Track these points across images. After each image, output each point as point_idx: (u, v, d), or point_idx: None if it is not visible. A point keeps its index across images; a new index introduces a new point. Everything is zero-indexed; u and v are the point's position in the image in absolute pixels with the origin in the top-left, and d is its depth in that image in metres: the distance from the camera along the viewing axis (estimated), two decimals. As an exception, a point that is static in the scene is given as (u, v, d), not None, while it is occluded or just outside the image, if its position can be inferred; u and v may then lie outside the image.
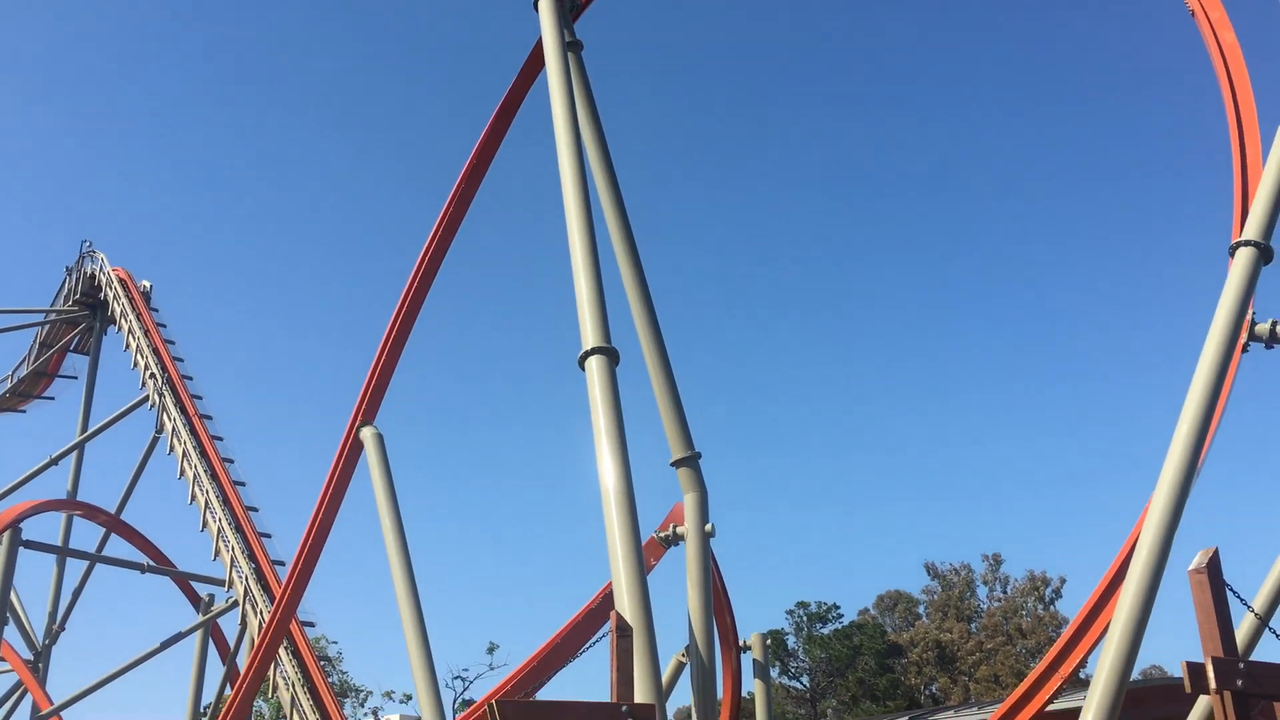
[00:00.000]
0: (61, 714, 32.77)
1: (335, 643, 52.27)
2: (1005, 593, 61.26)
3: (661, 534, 18.74)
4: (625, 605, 13.17)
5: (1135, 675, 13.36)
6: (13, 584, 29.14)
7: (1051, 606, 59.50)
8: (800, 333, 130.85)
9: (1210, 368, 12.71)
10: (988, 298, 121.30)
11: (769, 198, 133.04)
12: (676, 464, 18.64)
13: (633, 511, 14.25)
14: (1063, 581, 60.38)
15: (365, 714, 48.07)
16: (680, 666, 19.45)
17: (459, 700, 49.60)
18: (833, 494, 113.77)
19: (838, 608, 55.71)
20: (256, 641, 24.10)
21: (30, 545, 29.89)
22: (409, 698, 48.92)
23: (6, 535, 27.97)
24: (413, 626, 20.27)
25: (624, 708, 7.67)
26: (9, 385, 48.07)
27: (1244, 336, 13.48)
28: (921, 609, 60.39)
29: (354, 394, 23.86)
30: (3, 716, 34.77)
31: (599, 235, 18.06)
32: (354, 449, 23.32)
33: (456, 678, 48.56)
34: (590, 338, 15.84)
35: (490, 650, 49.05)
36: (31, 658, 36.97)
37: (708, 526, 18.72)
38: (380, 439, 23.28)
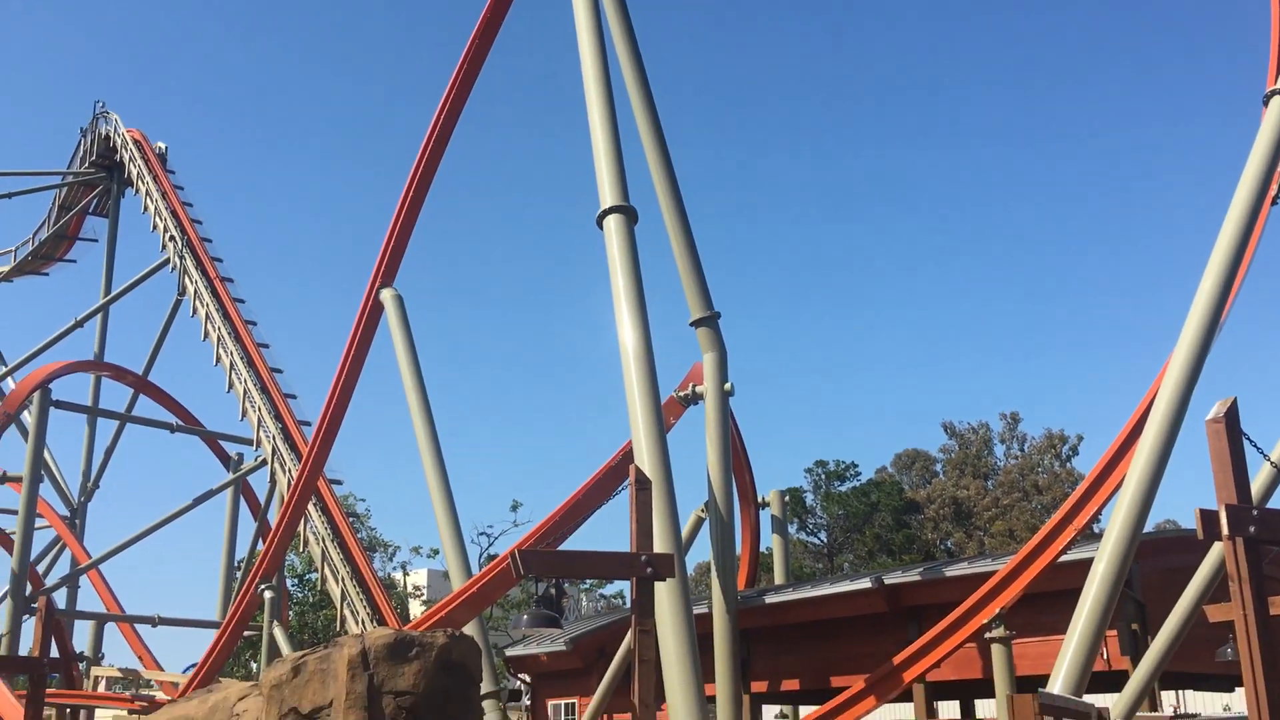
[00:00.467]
0: (99, 568, 33.86)
1: (363, 500, 53.54)
2: (1023, 450, 61.88)
3: (681, 393, 18.88)
4: (645, 461, 13.36)
5: (1148, 529, 13.53)
6: (46, 444, 29.71)
7: (1068, 464, 60.12)
8: (818, 190, 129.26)
9: (1239, 219, 12.50)
10: (1009, 150, 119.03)
11: (782, 35, 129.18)
12: (696, 324, 18.67)
13: (652, 370, 14.34)
14: (1080, 439, 60.91)
15: (394, 568, 49.47)
16: (699, 522, 19.81)
17: (484, 555, 50.90)
18: (852, 355, 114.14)
19: (856, 466, 56.53)
20: (286, 498, 24.67)
21: (60, 405, 30.39)
22: (436, 552, 50.27)
23: (37, 395, 28.43)
24: (437, 484, 20.72)
25: (643, 557, 7.81)
26: (30, 248, 48.15)
27: (1274, 189, 13.19)
28: (939, 467, 61.17)
29: (373, 258, 23.92)
30: (44, 571, 35.97)
31: (616, 94, 17.78)
32: (374, 310, 23.48)
33: (481, 534, 49.74)
34: (608, 196, 15.69)
35: (514, 508, 50.23)
36: (68, 514, 38.08)
37: (726, 385, 18.85)
38: (400, 300, 23.41)
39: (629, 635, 18.81)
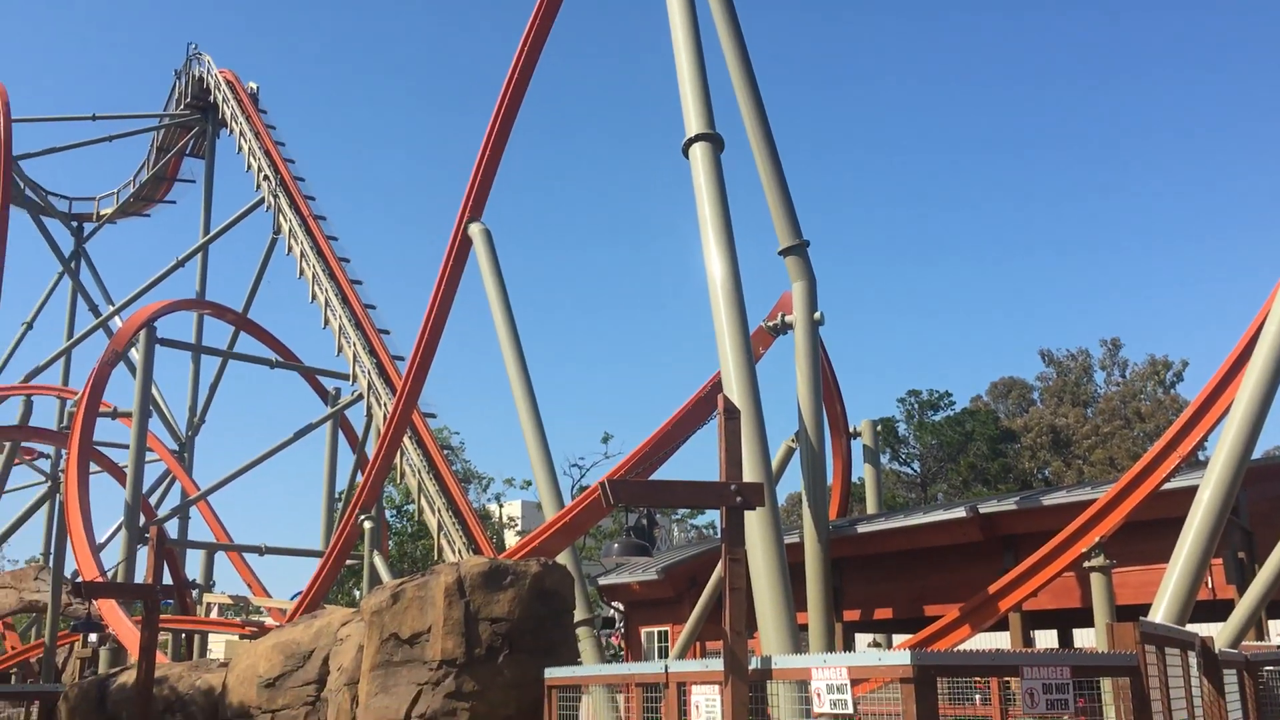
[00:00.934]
0: (208, 499, 35.08)
1: (457, 433, 54.51)
2: (1124, 377, 60.22)
3: (769, 323, 18.67)
4: (734, 391, 13.29)
5: (1256, 455, 13.07)
6: (153, 380, 30.69)
7: (1172, 390, 58.36)
8: (913, 114, 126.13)
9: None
10: (1109, 77, 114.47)
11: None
12: (784, 252, 18.39)
13: (740, 299, 14.20)
14: (1185, 365, 58.98)
15: (488, 500, 50.36)
16: (790, 452, 19.71)
17: (576, 486, 51.50)
18: (944, 282, 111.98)
19: (950, 395, 55.60)
20: (382, 431, 25.17)
21: (165, 343, 31.33)
22: (529, 484, 51.03)
23: (143, 334, 29.33)
24: (528, 417, 20.93)
25: (732, 486, 7.76)
26: (132, 190, 49.47)
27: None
28: (1036, 395, 59.94)
29: (462, 192, 24.01)
30: (155, 503, 37.43)
31: (702, 20, 17.40)
32: (463, 245, 23.64)
33: (573, 465, 50.26)
34: (694, 124, 15.46)
35: (604, 440, 50.50)
36: (176, 448, 39.46)
37: (816, 314, 18.58)
38: (488, 234, 23.52)
39: (720, 564, 18.98)
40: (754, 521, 12.16)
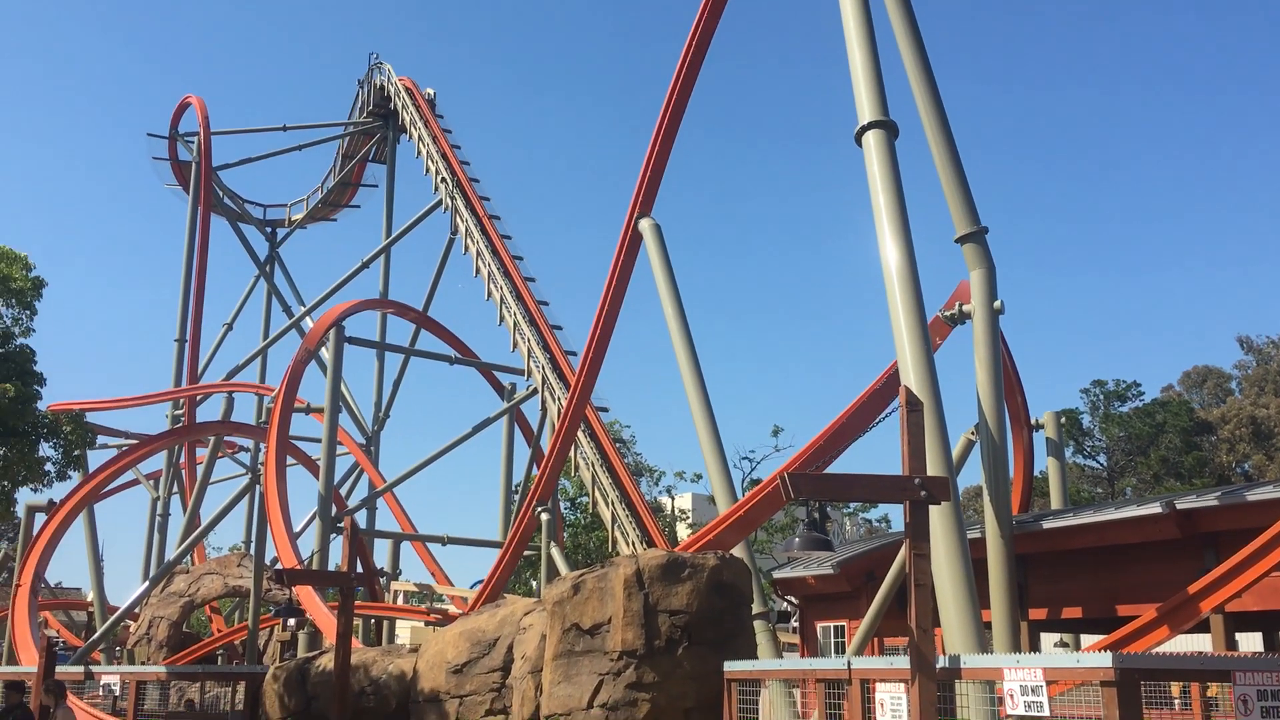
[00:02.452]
0: (394, 490, 36.51)
1: (628, 427, 55.12)
2: (1334, 365, 56.20)
3: (946, 313, 18.21)
4: (912, 382, 13.02)
5: None
6: (342, 377, 32.12)
7: (1388, 378, 54.14)
8: (1098, 102, 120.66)
9: None
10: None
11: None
12: (961, 240, 17.90)
13: (917, 288, 13.92)
14: (1403, 352, 54.62)
15: (659, 492, 50.73)
16: (969, 444, 19.17)
17: (746, 480, 51.40)
18: (1129, 268, 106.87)
19: (1138, 385, 52.95)
20: (557, 425, 25.68)
21: (353, 341, 32.76)
22: (699, 477, 51.23)
23: (333, 332, 30.73)
24: (700, 410, 21.03)
25: (916, 480, 7.60)
26: (320, 196, 51.93)
27: None
28: (1234, 384, 56.53)
29: (628, 189, 24.29)
30: (345, 494, 39.22)
31: (873, 7, 17.09)
32: (634, 240, 23.90)
33: (744, 458, 50.17)
34: (867, 111, 15.22)
35: (775, 433, 50.23)
36: (364, 442, 41.25)
37: (996, 303, 18.00)
38: (658, 229, 23.72)
39: (899, 559, 18.61)
40: (936, 516, 11.89)
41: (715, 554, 11.10)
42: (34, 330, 16.73)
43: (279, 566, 23.78)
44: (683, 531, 48.63)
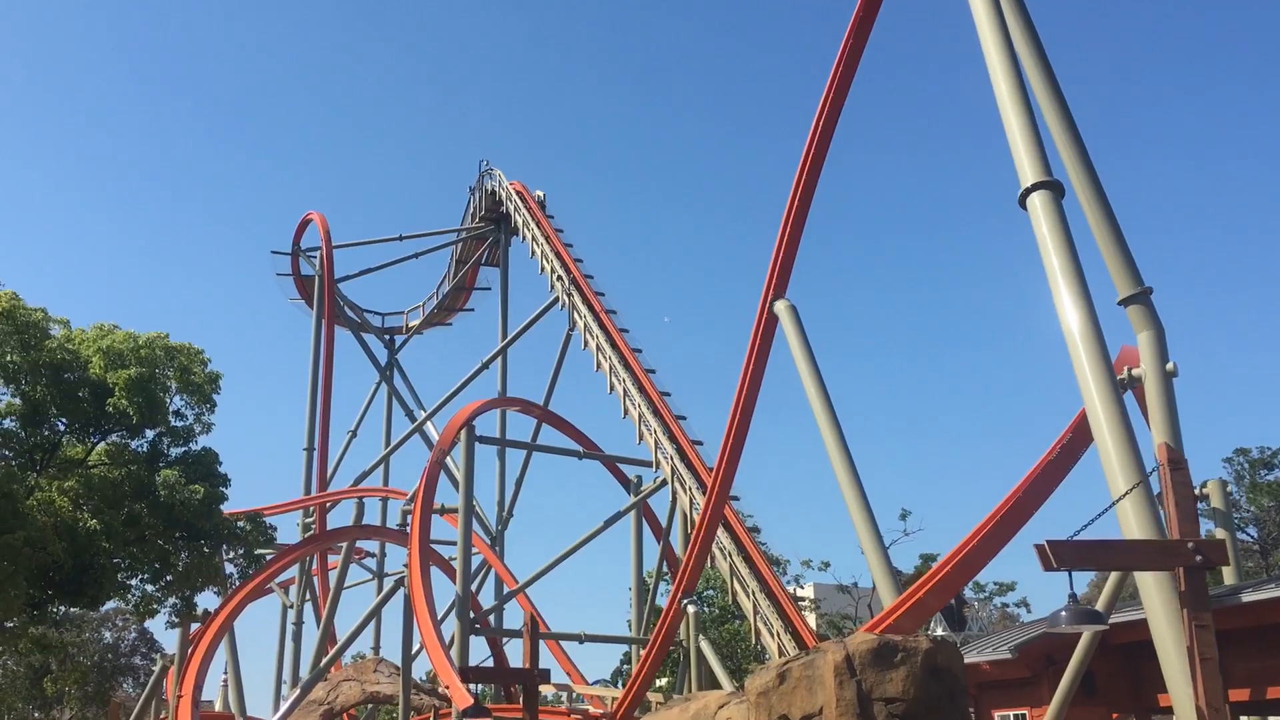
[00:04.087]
0: (525, 591, 36.22)
1: (750, 516, 54.15)
2: None
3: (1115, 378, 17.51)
4: (1109, 444, 12.35)
5: None
6: (480, 476, 32.22)
7: None
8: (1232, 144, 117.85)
9: None
10: None
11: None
12: (1125, 302, 17.30)
13: (1104, 347, 13.37)
14: None
15: (788, 581, 49.55)
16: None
17: (876, 565, 49.92)
18: (1269, 327, 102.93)
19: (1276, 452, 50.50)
20: (700, 513, 25.21)
21: (484, 440, 32.91)
22: (827, 565, 49.97)
23: (464, 433, 30.91)
24: (854, 496, 20.44)
25: (1190, 544, 7.04)
26: (435, 302, 53.04)
27: None
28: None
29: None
30: (476, 590, 39.06)
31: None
32: (769, 323, 23.61)
33: (872, 544, 48.75)
34: (1029, 173, 14.82)
35: (902, 516, 48.80)
36: (489, 540, 41.26)
37: (1169, 365, 17.28)
38: (794, 310, 23.41)
39: (1081, 643, 17.64)
40: (1153, 588, 11.17)
41: (928, 636, 10.50)
42: (214, 424, 17.18)
43: (430, 670, 23.52)
44: (812, 621, 47.27)
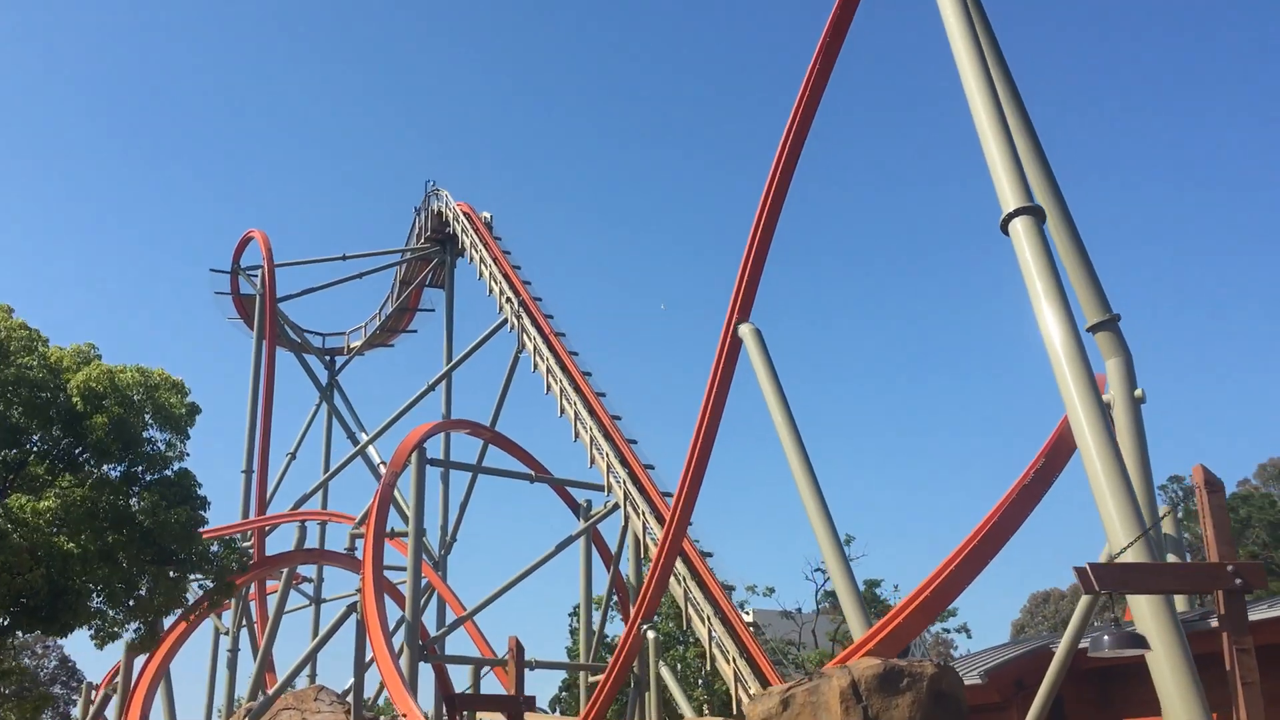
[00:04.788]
0: (480, 622, 35.52)
1: (698, 540, 53.90)
2: None
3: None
4: (1095, 458, 12.32)
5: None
6: (427, 499, 31.59)
7: None
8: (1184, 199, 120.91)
9: None
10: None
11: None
12: (1094, 329, 17.63)
13: (1087, 364, 13.43)
14: None
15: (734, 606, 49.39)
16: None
17: (819, 591, 50.12)
18: (1192, 357, 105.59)
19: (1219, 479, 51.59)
20: (660, 539, 24.95)
21: (436, 463, 32.36)
22: (771, 590, 49.96)
23: (415, 456, 30.33)
24: (822, 525, 20.40)
25: (1229, 567, 6.99)
26: (378, 322, 52.23)
27: None
28: (1318, 478, 55.12)
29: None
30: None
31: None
32: (732, 347, 23.54)
33: (816, 570, 48.95)
34: (1011, 199, 14.91)
35: (846, 541, 48.92)
36: (432, 564, 40.49)
37: (1137, 391, 17.57)
38: (759, 334, 23.39)
39: (1053, 666, 17.69)
40: (1148, 610, 11.16)
41: (933, 662, 10.39)
42: (188, 455, 16.50)
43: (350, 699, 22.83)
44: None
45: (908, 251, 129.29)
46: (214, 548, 17.00)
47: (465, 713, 32.57)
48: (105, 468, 15.77)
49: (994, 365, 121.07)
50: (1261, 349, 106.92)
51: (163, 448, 16.25)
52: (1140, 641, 7.82)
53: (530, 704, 15.88)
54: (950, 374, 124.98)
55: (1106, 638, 7.40)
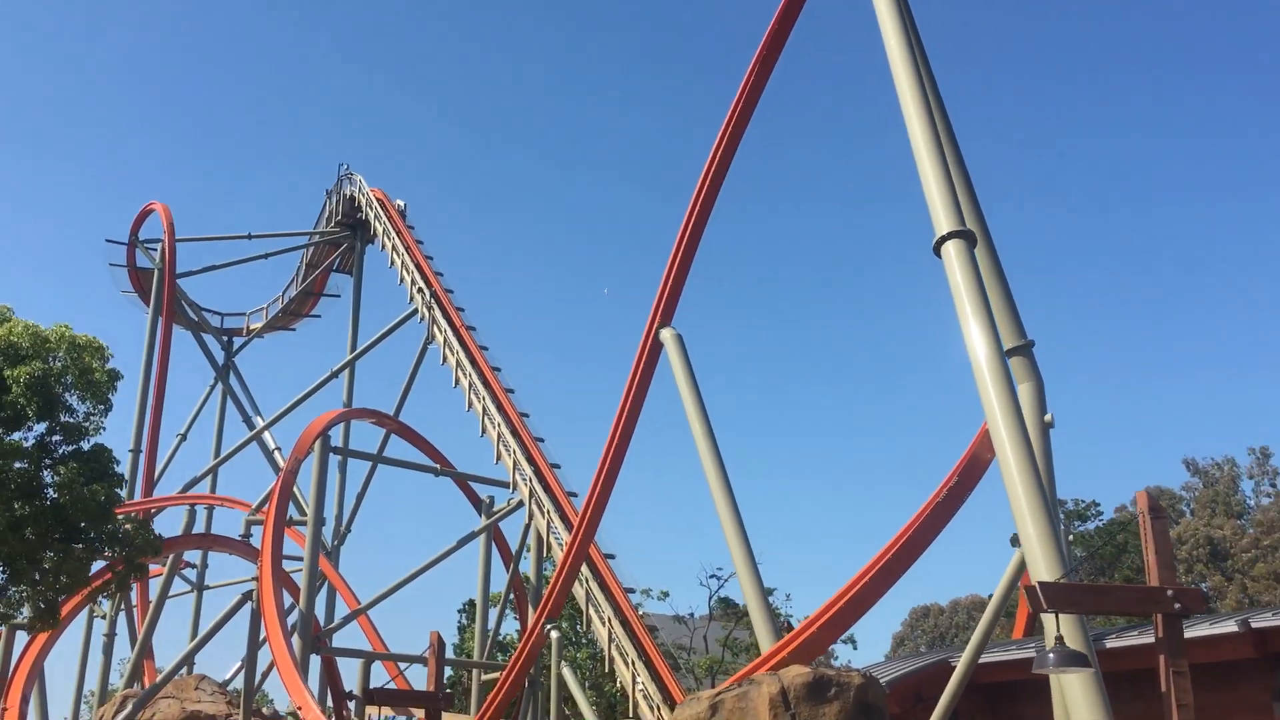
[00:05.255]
0: (372, 614, 34.93)
1: (600, 542, 53.84)
2: (1274, 487, 57.61)
3: (993, 426, 18.14)
4: (1017, 485, 12.62)
5: None
6: (322, 489, 30.91)
7: (1330, 502, 55.53)
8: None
9: None
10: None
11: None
12: (1009, 353, 18.03)
13: (1010, 383, 13.72)
14: (1344, 475, 56.23)
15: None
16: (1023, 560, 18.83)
17: (713, 598, 50.39)
18: (1078, 386, 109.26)
19: (1097, 504, 53.68)
20: (574, 532, 24.80)
21: (339, 451, 31.72)
22: (666, 594, 50.10)
23: (318, 443, 29.70)
24: (735, 534, 20.50)
25: (1169, 591, 7.24)
26: (280, 305, 51.02)
27: None
28: (1185, 506, 57.51)
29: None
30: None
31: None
32: (653, 350, 23.58)
33: (711, 576, 49.22)
34: (944, 222, 15.22)
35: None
36: (324, 555, 39.65)
37: (1047, 417, 18.07)
38: (680, 339, 23.47)
39: (953, 680, 18.10)
40: (1066, 629, 11.47)
41: (860, 672, 10.55)
42: (104, 428, 15.73)
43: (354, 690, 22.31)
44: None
45: (832, 268, 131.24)
46: (125, 527, 16.30)
47: (350, 708, 32.04)
48: (18, 434, 14.96)
49: (909, 383, 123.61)
50: (1144, 377, 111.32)
51: (82, 416, 15.49)
52: (1083, 660, 8.05)
53: (449, 701, 15.61)
54: (863, 387, 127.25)
55: (1052, 655, 7.59)
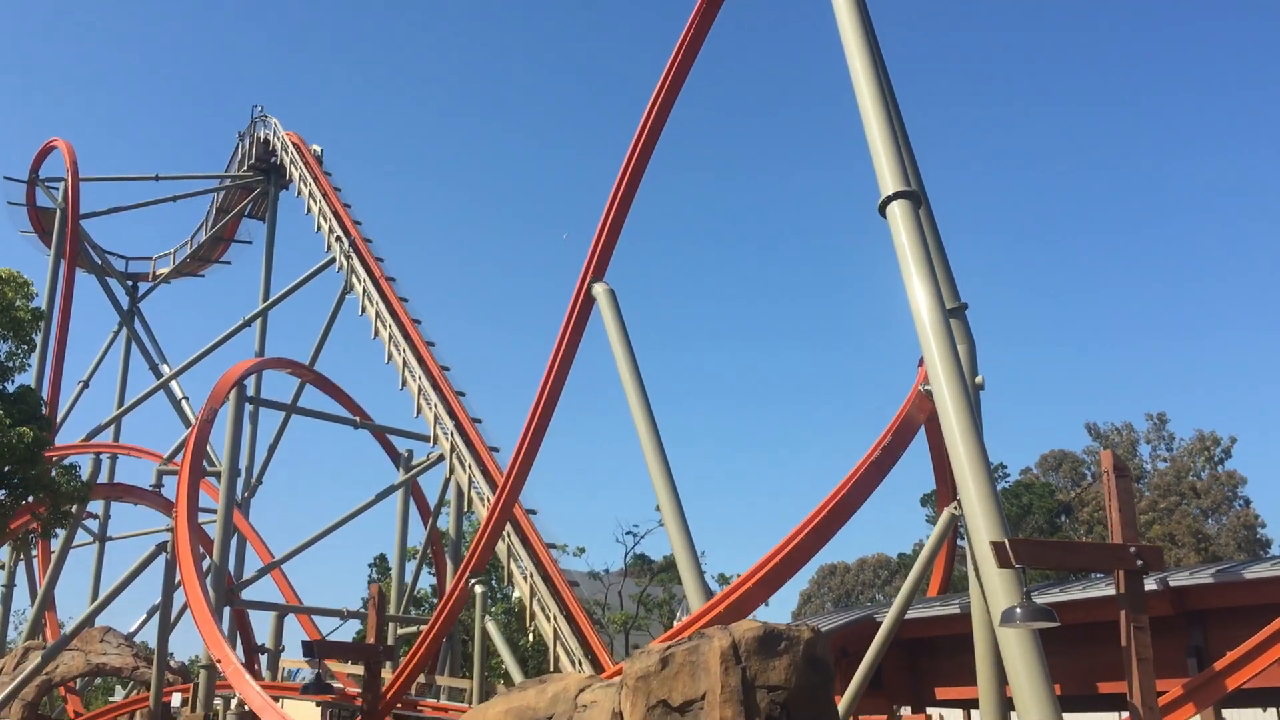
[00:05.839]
0: (282, 567, 34.33)
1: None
2: (1170, 452, 59.84)
3: (926, 387, 18.34)
4: (959, 445, 12.74)
5: None
6: (242, 439, 30.17)
7: (1219, 467, 57.91)
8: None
9: None
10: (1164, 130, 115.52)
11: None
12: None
13: (954, 343, 13.84)
14: (1234, 441, 58.68)
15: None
16: (953, 520, 19.15)
17: (629, 554, 50.70)
18: (984, 350, 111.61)
19: (1004, 466, 55.10)
20: (500, 486, 24.53)
21: (256, 401, 30.94)
22: (583, 550, 50.28)
23: (234, 392, 28.91)
24: (667, 495, 20.54)
25: (1131, 548, 7.34)
26: (189, 250, 49.46)
27: None
28: (1087, 470, 59.43)
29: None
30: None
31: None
32: (585, 305, 23.32)
33: (627, 533, 49.53)
34: (890, 183, 15.21)
35: (657, 508, 49.65)
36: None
37: (978, 379, 18.32)
38: (613, 294, 23.25)
39: (879, 635, 18.38)
40: (1000, 585, 11.64)
41: (809, 626, 10.56)
42: (30, 366, 14.90)
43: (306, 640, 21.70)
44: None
45: (771, 232, 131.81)
46: (52, 472, 15.61)
47: (262, 660, 31.53)
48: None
49: (843, 347, 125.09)
50: (1048, 343, 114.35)
51: (3, 357, 14.72)
52: (1050, 615, 8.15)
53: (390, 654, 15.35)
54: (799, 352, 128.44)
55: (1019, 611, 7.67)
